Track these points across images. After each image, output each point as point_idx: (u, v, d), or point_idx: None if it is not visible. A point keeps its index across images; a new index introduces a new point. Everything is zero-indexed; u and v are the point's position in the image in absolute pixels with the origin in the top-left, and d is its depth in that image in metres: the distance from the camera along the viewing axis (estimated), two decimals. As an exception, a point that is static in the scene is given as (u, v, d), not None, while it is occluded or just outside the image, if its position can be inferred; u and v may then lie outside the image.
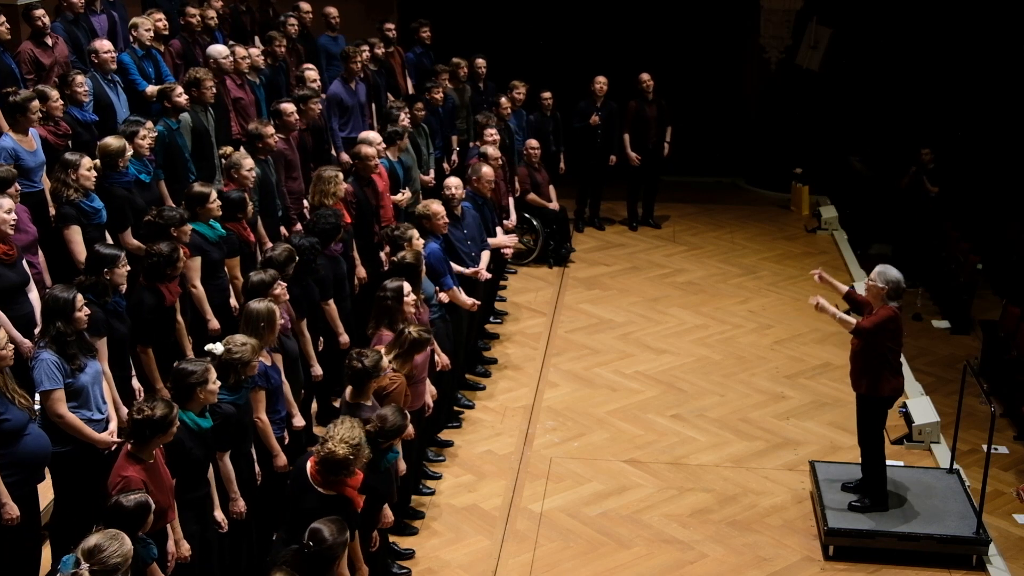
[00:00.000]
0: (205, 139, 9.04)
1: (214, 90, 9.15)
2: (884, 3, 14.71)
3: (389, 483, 6.23)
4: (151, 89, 9.22)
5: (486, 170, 9.75)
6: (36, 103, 7.65)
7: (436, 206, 8.63)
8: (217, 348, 6.02)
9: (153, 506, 4.97)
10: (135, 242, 7.54)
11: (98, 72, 8.86)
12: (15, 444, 5.51)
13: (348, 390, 6.45)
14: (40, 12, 8.97)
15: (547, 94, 12.75)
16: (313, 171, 9.33)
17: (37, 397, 6.09)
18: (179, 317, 7.08)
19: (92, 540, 4.55)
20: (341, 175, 8.55)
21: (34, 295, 6.74)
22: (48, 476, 5.94)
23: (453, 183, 9.20)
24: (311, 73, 10.30)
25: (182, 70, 10.17)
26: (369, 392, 6.38)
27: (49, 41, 9.05)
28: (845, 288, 7.87)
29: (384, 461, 6.04)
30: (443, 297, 8.32)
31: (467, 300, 8.66)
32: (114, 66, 8.97)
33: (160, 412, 5.31)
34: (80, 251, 7.13)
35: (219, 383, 5.81)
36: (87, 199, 7.27)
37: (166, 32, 10.08)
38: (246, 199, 7.89)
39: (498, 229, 9.35)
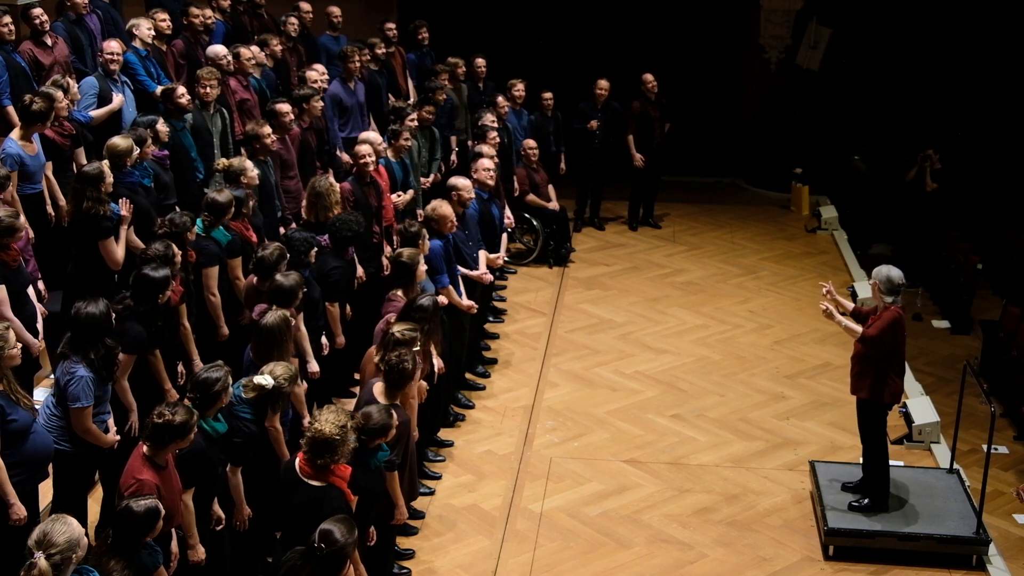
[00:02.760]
0: (207, 139, 9.04)
1: (217, 90, 9.15)
2: (884, 3, 14.72)
3: (381, 482, 6.19)
4: (160, 91, 9.23)
5: (482, 161, 9.76)
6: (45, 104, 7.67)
7: (446, 208, 8.60)
8: (268, 382, 6.00)
9: (163, 512, 4.96)
10: (137, 240, 7.55)
11: (105, 72, 8.85)
12: (21, 444, 5.55)
13: (381, 388, 6.44)
14: (38, 11, 8.96)
15: (548, 94, 12.75)
16: (319, 170, 9.38)
17: (38, 396, 6.11)
18: (185, 322, 7.08)
19: (35, 533, 4.53)
20: (334, 182, 8.52)
21: (32, 294, 6.77)
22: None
23: (466, 185, 9.19)
24: (313, 74, 10.29)
25: (185, 70, 10.17)
26: (405, 396, 6.41)
27: (48, 41, 9.04)
28: (851, 306, 7.88)
29: (374, 460, 5.98)
30: (442, 299, 8.30)
31: (464, 302, 8.63)
32: (119, 65, 8.97)
33: (180, 418, 5.34)
34: (116, 257, 7.22)
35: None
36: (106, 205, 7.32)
37: (169, 32, 10.06)
38: (247, 196, 7.89)
39: (481, 253, 9.31)
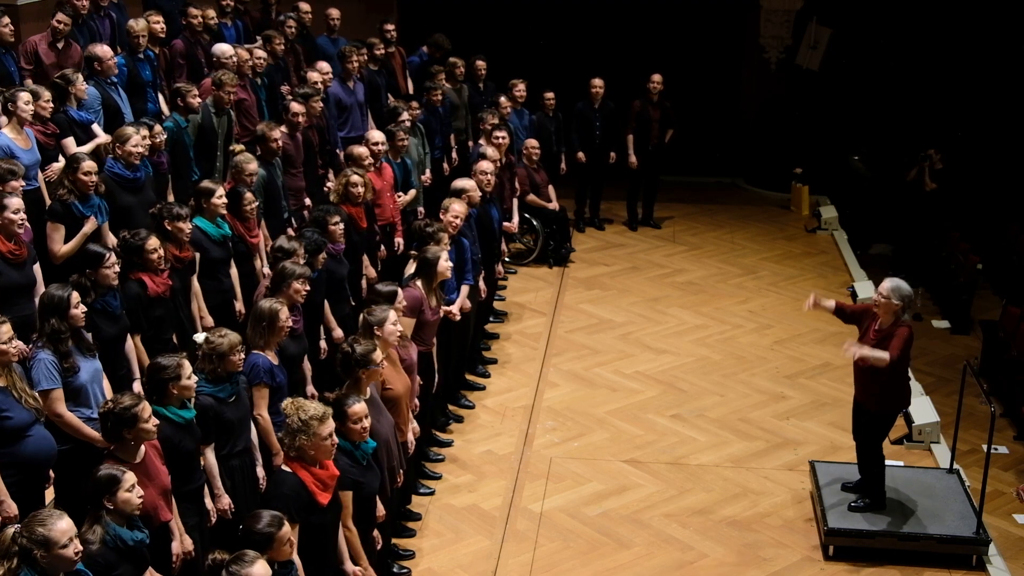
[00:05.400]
0: (211, 139, 9.04)
1: (233, 96, 9.19)
2: (884, 3, 14.72)
3: (374, 477, 6.12)
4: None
5: (481, 163, 9.76)
6: (25, 95, 7.62)
7: (459, 206, 8.56)
8: (200, 338, 6.03)
9: (124, 472, 4.89)
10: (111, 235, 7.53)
11: (101, 78, 8.82)
12: (16, 444, 5.47)
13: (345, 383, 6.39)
14: (65, 18, 8.97)
15: (549, 94, 12.74)
16: (321, 170, 9.41)
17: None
18: (179, 313, 7.07)
19: (39, 511, 4.53)
20: (360, 179, 8.52)
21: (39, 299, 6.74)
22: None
23: (473, 187, 9.18)
24: (315, 74, 10.27)
25: (184, 70, 10.17)
26: (362, 385, 6.27)
27: (60, 45, 9.04)
28: (833, 304, 7.67)
29: (359, 453, 5.93)
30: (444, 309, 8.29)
31: (451, 309, 8.55)
32: (116, 71, 8.96)
33: (123, 404, 5.23)
34: (57, 248, 7.13)
35: (195, 378, 5.76)
36: (81, 202, 7.23)
37: (163, 34, 10.05)
38: (241, 191, 7.86)
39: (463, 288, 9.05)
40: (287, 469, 5.50)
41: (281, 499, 5.34)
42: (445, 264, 7.67)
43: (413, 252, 7.96)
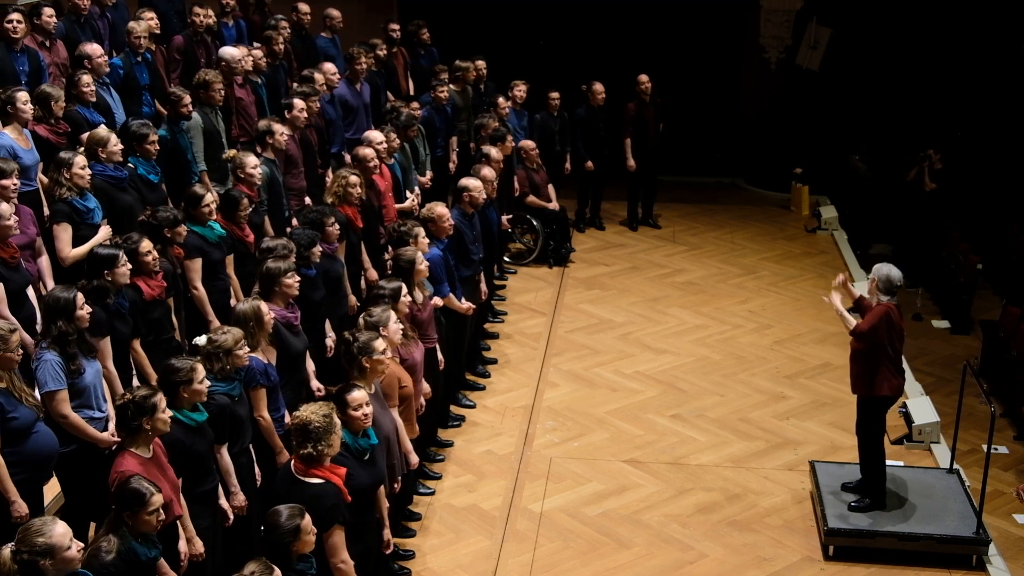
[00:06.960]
0: (216, 140, 9.04)
1: (223, 92, 9.18)
2: (884, 3, 14.73)
3: (372, 472, 6.07)
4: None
5: (486, 171, 9.77)
6: (23, 95, 7.62)
7: (441, 208, 8.62)
8: (202, 340, 6.04)
9: (152, 495, 4.88)
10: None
11: (93, 77, 8.80)
12: (23, 443, 5.50)
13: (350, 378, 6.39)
14: (49, 11, 8.95)
15: (555, 94, 12.75)
16: (320, 170, 9.36)
17: (39, 396, 6.08)
18: (173, 318, 7.06)
19: (27, 524, 4.51)
20: (358, 180, 8.52)
21: (34, 295, 6.75)
22: (54, 476, 5.92)
23: (476, 186, 9.22)
24: (319, 75, 10.26)
25: (180, 66, 10.16)
26: (368, 377, 6.28)
27: (48, 44, 9.03)
28: (858, 294, 7.84)
29: (357, 446, 5.90)
30: (437, 301, 8.30)
31: (461, 305, 8.63)
32: (107, 69, 8.95)
33: (141, 393, 5.30)
34: (65, 248, 7.13)
35: (207, 382, 5.77)
36: (81, 198, 7.24)
37: (158, 31, 10.04)
38: (239, 196, 7.85)
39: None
40: (318, 480, 5.49)
41: (332, 511, 5.37)
42: (422, 264, 7.73)
43: (387, 256, 7.99)
